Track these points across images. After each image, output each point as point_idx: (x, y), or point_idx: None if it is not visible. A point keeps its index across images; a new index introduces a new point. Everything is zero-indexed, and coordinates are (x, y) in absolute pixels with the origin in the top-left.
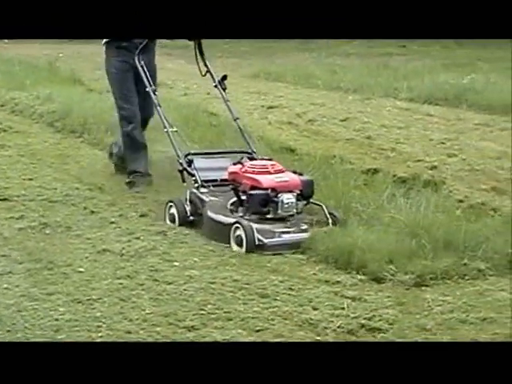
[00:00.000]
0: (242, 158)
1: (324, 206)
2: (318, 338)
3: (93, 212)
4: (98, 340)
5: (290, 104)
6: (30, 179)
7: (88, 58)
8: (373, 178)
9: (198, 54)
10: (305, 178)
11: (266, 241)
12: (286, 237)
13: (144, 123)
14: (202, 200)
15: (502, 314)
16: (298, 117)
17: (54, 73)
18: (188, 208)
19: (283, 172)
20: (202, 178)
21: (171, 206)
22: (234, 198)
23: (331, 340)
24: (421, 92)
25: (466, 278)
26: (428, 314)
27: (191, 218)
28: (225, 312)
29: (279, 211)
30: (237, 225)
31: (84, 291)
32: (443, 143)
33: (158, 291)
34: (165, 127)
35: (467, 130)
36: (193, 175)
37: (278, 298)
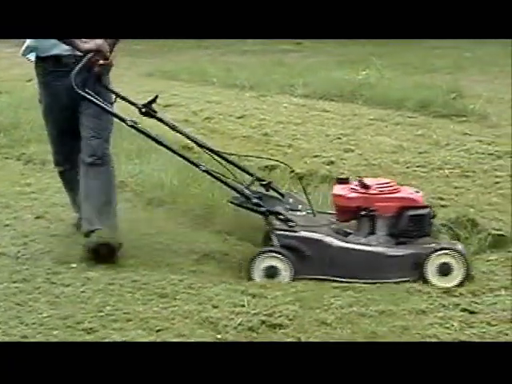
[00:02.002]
0: (348, 179)
1: None
2: (219, 336)
3: None
4: None
5: (186, 102)
6: None
7: None
8: (270, 174)
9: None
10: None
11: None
12: None
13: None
14: (306, 239)
15: (400, 306)
16: (194, 115)
17: None
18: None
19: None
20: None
21: (266, 257)
22: (338, 226)
23: (232, 338)
24: (316, 88)
25: None
26: (328, 309)
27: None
28: (124, 313)
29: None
30: (444, 251)
31: None
32: (339, 138)
33: (55, 294)
34: (197, 166)
35: (363, 125)
36: (277, 213)
37: (177, 297)
